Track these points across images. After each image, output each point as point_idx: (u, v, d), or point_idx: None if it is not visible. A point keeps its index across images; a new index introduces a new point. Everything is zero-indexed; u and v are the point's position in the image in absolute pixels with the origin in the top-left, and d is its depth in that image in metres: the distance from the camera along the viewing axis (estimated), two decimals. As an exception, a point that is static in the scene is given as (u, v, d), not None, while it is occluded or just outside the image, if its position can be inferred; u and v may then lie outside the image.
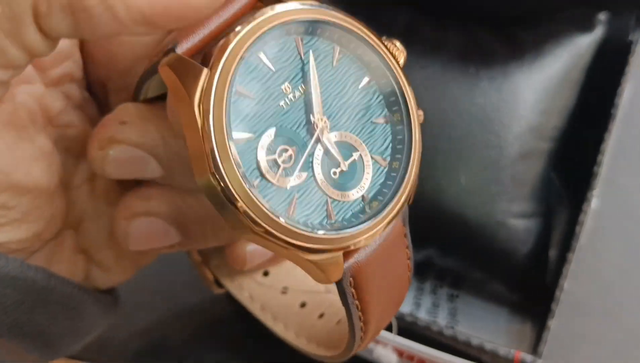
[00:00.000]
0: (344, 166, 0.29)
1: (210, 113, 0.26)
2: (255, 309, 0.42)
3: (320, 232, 0.28)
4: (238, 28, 0.27)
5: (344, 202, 0.29)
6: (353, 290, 0.30)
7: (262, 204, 0.27)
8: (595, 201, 0.48)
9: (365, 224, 0.29)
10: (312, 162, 0.29)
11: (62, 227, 0.33)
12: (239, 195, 0.26)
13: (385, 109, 0.30)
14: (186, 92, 0.26)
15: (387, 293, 0.33)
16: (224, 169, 0.26)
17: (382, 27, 0.51)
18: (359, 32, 0.29)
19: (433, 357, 0.45)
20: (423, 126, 0.50)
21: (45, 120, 0.32)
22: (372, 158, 0.30)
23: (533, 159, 0.49)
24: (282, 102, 0.28)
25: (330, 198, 0.29)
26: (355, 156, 0.30)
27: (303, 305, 0.41)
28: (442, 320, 0.51)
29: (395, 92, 0.30)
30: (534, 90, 0.49)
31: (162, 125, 0.31)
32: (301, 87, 0.28)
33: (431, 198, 0.49)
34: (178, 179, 0.32)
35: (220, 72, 0.26)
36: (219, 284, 0.43)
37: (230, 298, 0.53)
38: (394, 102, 0.30)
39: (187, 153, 0.27)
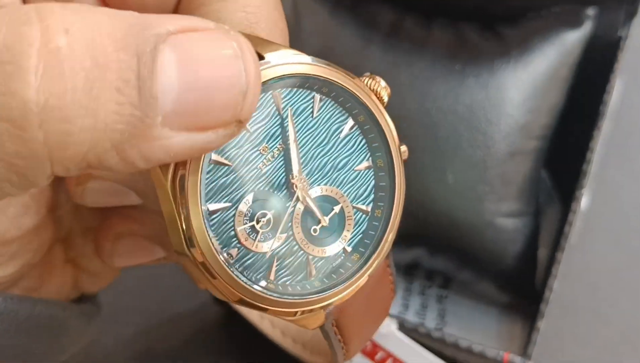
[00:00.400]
0: (324, 222, 0.29)
1: (185, 189, 0.26)
2: (241, 307, 0.42)
3: (298, 298, 0.28)
4: None
5: (324, 257, 0.29)
6: (335, 329, 0.31)
7: (238, 277, 0.27)
8: (585, 200, 0.48)
9: (345, 283, 0.29)
10: (292, 222, 0.28)
11: (51, 245, 0.33)
12: (214, 269, 0.26)
13: (369, 154, 0.30)
14: (159, 169, 0.26)
15: (368, 323, 0.34)
16: (198, 245, 0.26)
17: (367, 26, 0.51)
18: (335, 79, 0.28)
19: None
20: (409, 125, 0.49)
21: None
22: (353, 207, 0.30)
23: (521, 158, 0.48)
24: (260, 164, 0.28)
25: (311, 255, 0.29)
26: (337, 208, 0.29)
27: None
28: (430, 321, 0.50)
29: (377, 138, 0.30)
30: (522, 87, 0.48)
31: None
32: (280, 145, 0.28)
33: (418, 199, 0.48)
34: (158, 206, 0.32)
35: None
36: None
37: (217, 302, 0.52)
38: (376, 148, 0.30)
39: None
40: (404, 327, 0.46)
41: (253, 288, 0.27)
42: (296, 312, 0.28)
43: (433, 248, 0.51)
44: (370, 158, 0.30)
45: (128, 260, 0.34)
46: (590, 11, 0.49)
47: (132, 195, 0.32)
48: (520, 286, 0.50)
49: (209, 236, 0.26)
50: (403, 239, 0.50)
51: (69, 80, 0.21)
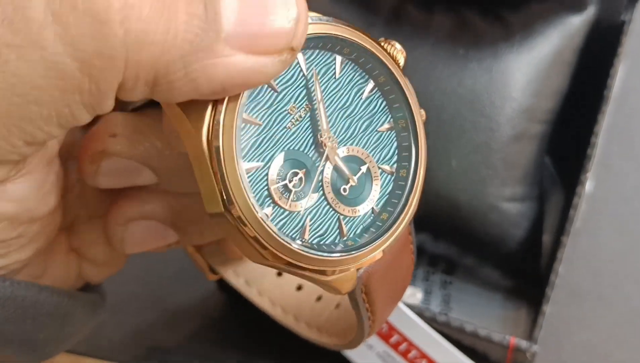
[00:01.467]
0: (353, 181, 0.29)
1: (220, 148, 0.26)
2: (252, 294, 0.42)
3: (334, 255, 0.28)
4: None
5: (354, 217, 0.29)
6: (364, 296, 0.31)
7: (276, 234, 0.26)
8: (589, 184, 0.48)
9: (376, 241, 0.29)
10: (322, 181, 0.29)
11: (57, 232, 0.33)
12: (253, 228, 0.26)
13: (390, 116, 0.30)
14: (192, 127, 0.26)
15: (393, 290, 0.34)
16: (237, 204, 0.26)
17: (369, 10, 0.50)
18: (357, 39, 0.28)
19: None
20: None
21: None
22: (379, 168, 0.30)
23: (525, 141, 0.48)
24: (288, 124, 0.28)
25: (342, 214, 0.29)
26: (364, 169, 0.30)
27: (299, 288, 0.41)
28: (435, 308, 0.50)
29: (398, 98, 0.30)
30: (525, 71, 0.48)
31: (155, 136, 0.30)
32: (306, 105, 0.28)
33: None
34: (173, 185, 0.32)
35: (227, 104, 0.26)
36: (214, 271, 0.42)
37: (221, 290, 0.52)
38: (397, 109, 0.30)
39: (182, 163, 0.27)
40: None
41: (291, 245, 0.27)
42: (334, 270, 0.28)
43: (436, 233, 0.50)
44: (391, 119, 0.30)
45: (140, 245, 0.33)
46: (594, -5, 0.49)
47: (145, 173, 0.31)
48: (525, 271, 0.50)
49: (247, 195, 0.26)
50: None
51: None
